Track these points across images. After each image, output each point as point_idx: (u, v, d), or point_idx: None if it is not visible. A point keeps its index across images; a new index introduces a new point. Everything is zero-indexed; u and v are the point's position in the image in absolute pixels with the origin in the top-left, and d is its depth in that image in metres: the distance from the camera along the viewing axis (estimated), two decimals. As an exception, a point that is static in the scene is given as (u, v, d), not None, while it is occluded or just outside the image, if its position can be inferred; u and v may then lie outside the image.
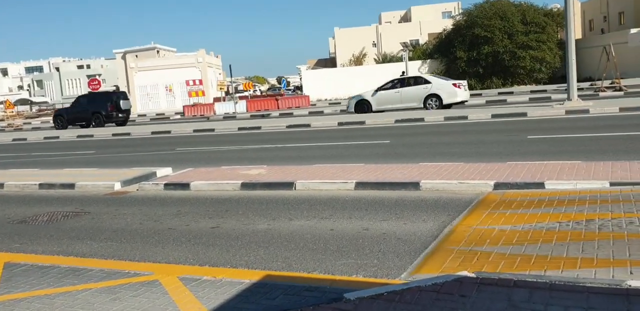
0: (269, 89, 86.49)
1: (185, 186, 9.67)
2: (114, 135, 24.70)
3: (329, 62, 63.87)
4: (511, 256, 4.64)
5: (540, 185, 7.36)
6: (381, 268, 4.76)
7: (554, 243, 4.87)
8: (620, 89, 24.69)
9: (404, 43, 47.58)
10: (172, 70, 50.47)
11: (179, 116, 38.78)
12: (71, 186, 10.58)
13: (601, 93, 24.22)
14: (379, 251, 5.23)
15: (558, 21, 38.44)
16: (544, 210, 6.14)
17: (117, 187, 10.30)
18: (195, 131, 23.24)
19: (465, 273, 4.00)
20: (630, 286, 3.52)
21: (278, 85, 79.64)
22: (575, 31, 22.62)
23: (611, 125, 13.61)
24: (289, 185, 8.78)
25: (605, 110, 16.77)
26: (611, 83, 26.34)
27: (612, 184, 6.99)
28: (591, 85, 28.14)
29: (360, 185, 8.39)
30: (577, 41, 21.82)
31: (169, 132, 23.67)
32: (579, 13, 51.31)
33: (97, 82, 42.77)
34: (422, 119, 19.20)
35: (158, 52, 78.78)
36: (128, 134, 24.41)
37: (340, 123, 20.61)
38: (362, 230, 6.05)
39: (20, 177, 11.95)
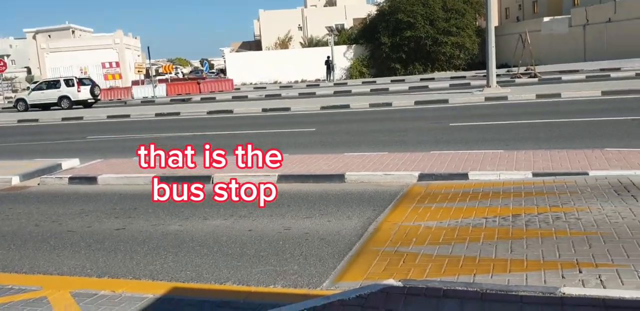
0: (191, 72, 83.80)
1: (92, 180, 8.85)
2: (19, 121, 22.84)
3: (254, 45, 62.56)
4: (438, 258, 4.37)
5: (464, 176, 7.23)
6: (302, 275, 4.36)
7: (481, 242, 4.66)
8: (535, 76, 25.59)
9: (330, 27, 47.20)
10: (87, 52, 47.54)
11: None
12: (-40, 181, 9.45)
13: (517, 80, 25.00)
14: (301, 255, 4.83)
15: (476, 8, 39.33)
16: (469, 203, 5.97)
17: (15, 181, 9.30)
18: (109, 117, 21.88)
19: (391, 281, 3.68)
20: (564, 293, 3.31)
21: (201, 68, 77.35)
22: (493, 19, 23.07)
23: (529, 112, 13.91)
24: (206, 179, 8.20)
25: (523, 97, 17.20)
26: (526, 70, 27.26)
27: (535, 175, 6.95)
28: (508, 71, 29.03)
29: (283, 177, 7.95)
30: (495, 29, 22.31)
31: (80, 118, 22.16)
32: (496, 1, 52.95)
33: (2, 64, 39.54)
34: (347, 106, 18.98)
35: (73, 32, 74.24)
36: (36, 121, 22.65)
37: (264, 110, 20.03)
38: (283, 230, 5.63)
39: None
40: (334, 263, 4.55)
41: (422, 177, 7.36)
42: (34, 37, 71.37)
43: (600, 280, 3.67)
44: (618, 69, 24.64)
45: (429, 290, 3.50)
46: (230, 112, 20.26)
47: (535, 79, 24.69)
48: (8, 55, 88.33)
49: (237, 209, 6.60)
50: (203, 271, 4.63)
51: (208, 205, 6.90)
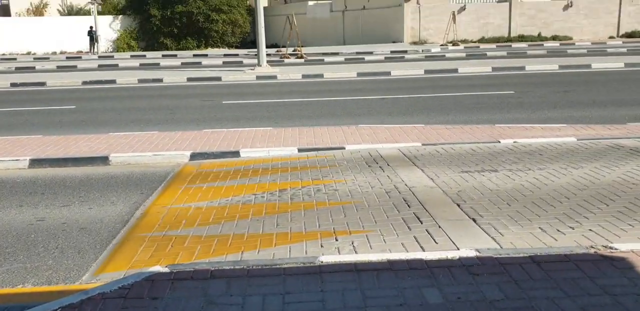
0: None
1: None
2: None
3: (1, 10, 54.22)
4: (208, 238, 4.37)
5: (236, 154, 7.34)
6: (58, 270, 3.96)
7: (250, 219, 4.78)
8: (302, 56, 27.05)
9: (92, -5, 43.23)
10: None
11: None
12: None
13: (285, 60, 26.15)
14: (56, 248, 4.38)
15: (247, -13, 39.86)
16: (240, 181, 6.08)
17: None
18: None
19: (157, 268, 3.55)
20: (322, 262, 3.57)
21: None
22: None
23: (296, 91, 14.66)
24: None
25: (291, 76, 18.05)
26: (294, 51, 28.65)
27: (300, 150, 7.37)
28: (277, 51, 30.15)
29: (36, 162, 7.10)
30: (264, 9, 22.95)
31: None
32: (265, -19, 54.25)
33: None
34: (113, 81, 17.71)
35: None
36: None
37: (14, 84, 17.59)
38: (35, 222, 5.03)
39: None
40: (95, 254, 4.23)
41: (193, 157, 7.27)
42: None
43: (353, 246, 4.06)
44: (371, 53, 27.38)
45: (196, 272, 3.47)
46: (-31, 86, 17.35)
47: (302, 60, 26.11)
48: None
49: (-23, 201, 5.71)
50: None
51: (-62, 199, 5.83)
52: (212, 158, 7.25)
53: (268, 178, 6.12)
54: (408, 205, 4.96)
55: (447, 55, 25.80)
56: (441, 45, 30.79)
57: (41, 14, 45.68)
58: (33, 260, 4.15)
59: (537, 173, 5.87)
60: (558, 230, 4.27)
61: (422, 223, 4.52)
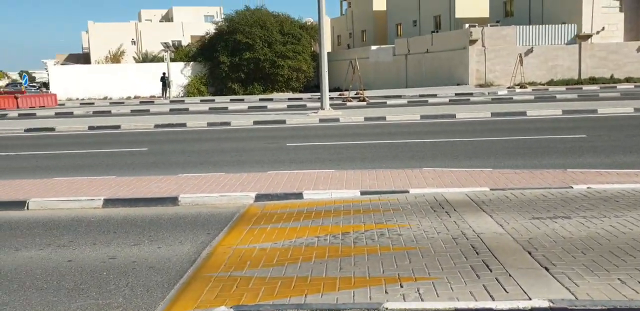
0: (7, 85, 75.54)
1: None
2: None
3: (82, 58, 58.42)
4: (272, 280, 4.37)
5: (299, 196, 7.40)
6: (127, 308, 4.06)
7: (313, 262, 4.76)
8: (364, 100, 27.40)
9: (166, 43, 45.89)
10: None
11: None
12: None
13: (348, 103, 26.54)
14: (127, 286, 4.51)
15: (312, 34, 41.23)
16: (303, 223, 6.10)
17: None
18: None
19: (223, 309, 3.58)
20: (387, 309, 3.49)
21: (20, 81, 70.22)
22: (327, 46, 24.39)
23: (359, 133, 14.78)
24: (20, 205, 7.36)
25: (353, 119, 18.26)
26: (356, 94, 29.08)
27: (362, 193, 7.35)
28: (340, 95, 30.70)
29: (109, 202, 7.42)
30: (328, 54, 23.56)
31: None
32: (329, 28, 56.07)
33: None
34: (184, 124, 18.50)
35: None
36: None
37: (91, 127, 18.70)
38: (108, 259, 5.22)
39: None
40: (163, 293, 4.31)
41: (258, 198, 7.39)
42: None
43: (419, 293, 3.95)
44: (435, 95, 27.37)
45: (261, 314, 3.47)
46: (52, 129, 18.58)
47: (364, 103, 26.42)
48: None
49: (56, 238, 6.00)
50: (12, 310, 4.09)
51: (21, 234, 6.18)
52: (276, 200, 7.35)
53: (331, 221, 6.12)
54: (476, 252, 4.81)
55: (515, 97, 25.43)
56: (508, 87, 30.42)
57: (118, 61, 48.88)
58: (105, 297, 4.28)
59: (614, 221, 5.57)
60: (639, 282, 4.00)
61: (491, 271, 4.36)
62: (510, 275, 4.23)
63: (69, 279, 4.72)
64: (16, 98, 33.75)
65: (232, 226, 6.19)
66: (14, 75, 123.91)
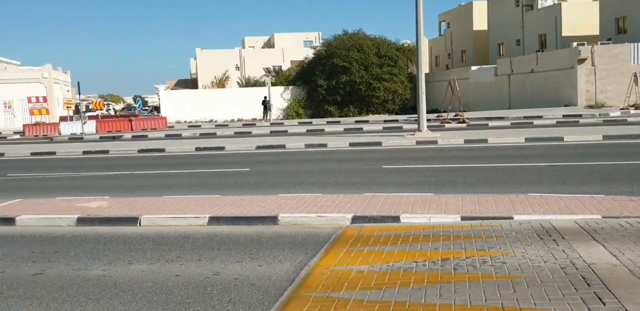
0: (123, 109, 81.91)
1: (9, 221, 8.31)
2: None
3: (190, 83, 62.30)
4: (369, 303, 4.34)
5: (396, 219, 7.33)
6: (230, 324, 4.20)
7: (411, 287, 4.68)
8: (463, 121, 26.77)
9: (267, 68, 47.84)
10: (12, 85, 45.46)
11: (18, 136, 34.91)
12: None
13: (446, 125, 26.06)
14: (229, 302, 4.67)
15: (408, 56, 41.19)
16: (400, 247, 6.02)
17: None
18: (32, 154, 20.85)
19: (322, 330, 3.60)
20: (490, 340, 3.34)
21: (134, 105, 75.93)
22: (424, 67, 24.23)
23: (458, 156, 14.43)
24: (133, 221, 7.89)
25: (452, 141, 17.88)
26: (455, 116, 28.50)
27: (463, 218, 7.15)
28: (438, 116, 30.22)
29: (214, 220, 7.77)
30: (425, 75, 23.37)
31: (1, 154, 21.00)
32: (426, 49, 55.68)
33: None
34: (283, 146, 19.04)
35: (-3, 64, 71.33)
36: (-50, 156, 21.24)
37: (198, 149, 19.75)
38: (212, 275, 5.45)
39: None
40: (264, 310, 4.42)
41: (355, 220, 7.40)
42: (-44, 68, 68.06)
43: (525, 325, 3.75)
44: (540, 117, 26.18)
45: (359, 338, 3.45)
46: (162, 150, 19.84)
47: (464, 125, 25.81)
48: None
49: (165, 253, 6.36)
50: (125, 320, 4.38)
51: (134, 248, 6.62)
52: (373, 222, 7.32)
53: (429, 246, 5.99)
54: (587, 284, 4.50)
55: (629, 119, 23.73)
56: (621, 109, 28.45)
57: (223, 86, 51.54)
58: (209, 312, 4.46)
59: None
60: None
61: (604, 304, 4.05)
62: (626, 310, 3.91)
63: (176, 293, 4.97)
64: (130, 121, 36.50)
65: (329, 247, 6.24)
66: (129, 100, 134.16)
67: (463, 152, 15.32)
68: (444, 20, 57.74)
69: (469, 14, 51.51)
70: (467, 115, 28.30)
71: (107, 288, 5.18)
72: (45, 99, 40.83)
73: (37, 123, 36.99)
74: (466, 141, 17.62)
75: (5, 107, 45.36)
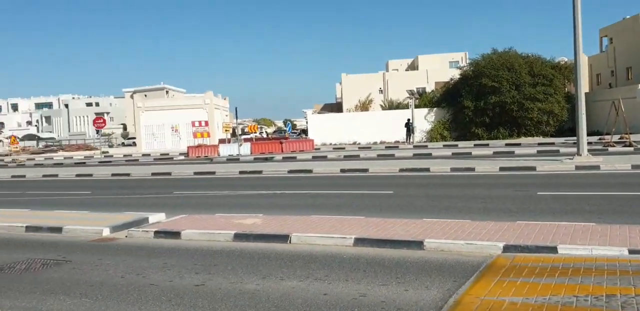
0: (274, 132, 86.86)
1: (175, 235, 9.17)
2: (113, 175, 24.35)
3: (335, 107, 64.26)
4: (525, 339, 4.09)
5: (553, 250, 6.84)
6: (377, 347, 4.20)
7: (573, 324, 4.33)
8: (630, 144, 24.34)
9: (411, 90, 47.82)
10: (179, 111, 50.72)
11: (182, 157, 38.58)
12: (58, 230, 10.10)
13: (610, 148, 23.86)
14: (376, 325, 4.69)
15: (565, 74, 38.59)
16: (558, 279, 5.61)
17: (106, 232, 9.82)
18: (195, 173, 22.86)
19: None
20: None
21: (284, 128, 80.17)
22: (584, 85, 22.56)
23: (624, 183, 13.13)
24: (284, 238, 8.28)
25: (617, 166, 16.32)
26: (620, 138, 26.04)
27: (631, 252, 6.47)
28: (600, 139, 27.82)
29: (359, 241, 7.87)
30: (585, 95, 21.70)
31: (169, 173, 23.31)
32: (586, 67, 51.81)
33: (102, 121, 42.99)
34: (427, 169, 18.78)
35: (167, 92, 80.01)
36: (128, 175, 24.05)
37: (342, 170, 20.21)
38: (358, 296, 5.51)
39: (8, 218, 11.49)
40: (411, 336, 4.37)
41: (507, 248, 7.05)
42: (132, 96, 77.62)
43: None
44: None
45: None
46: (310, 171, 20.61)
47: (630, 148, 23.47)
48: (107, 113, 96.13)
49: (313, 271, 6.57)
50: (277, 335, 4.58)
51: (285, 265, 6.92)
52: (526, 252, 6.91)
53: (591, 280, 5.50)
54: None
55: None
56: None
57: (366, 109, 52.40)
58: (356, 333, 4.51)
59: None
60: None
61: None
62: None
63: (325, 311, 5.10)
64: (281, 143, 38.56)
65: (479, 276, 6.00)
66: (279, 123, 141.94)
67: (630, 179, 13.90)
68: (606, 35, 53.37)
69: (635, 28, 47.09)
70: (634, 137, 25.68)
71: (261, 302, 5.48)
72: (207, 123, 44.69)
73: (199, 146, 40.57)
74: (634, 166, 15.97)
75: (172, 130, 50.52)
